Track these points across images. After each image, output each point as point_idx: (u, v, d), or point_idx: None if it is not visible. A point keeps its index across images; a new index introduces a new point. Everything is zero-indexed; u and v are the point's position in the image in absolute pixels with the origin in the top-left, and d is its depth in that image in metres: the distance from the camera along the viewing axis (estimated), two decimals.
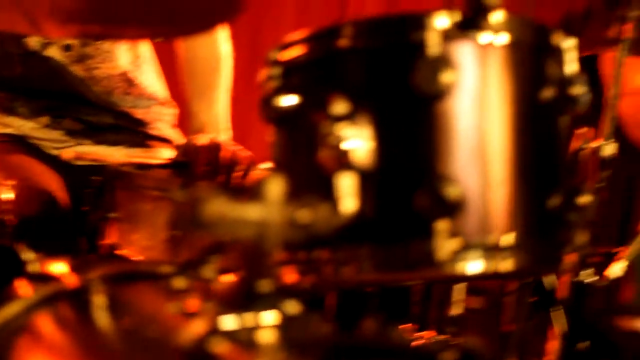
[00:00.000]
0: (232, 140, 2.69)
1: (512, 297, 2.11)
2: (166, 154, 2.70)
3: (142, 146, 2.74)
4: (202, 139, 2.56)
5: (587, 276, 1.98)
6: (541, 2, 2.57)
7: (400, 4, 4.79)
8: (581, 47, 2.55)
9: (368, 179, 1.31)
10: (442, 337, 1.94)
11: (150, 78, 2.82)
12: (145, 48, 2.82)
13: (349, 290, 1.93)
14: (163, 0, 1.84)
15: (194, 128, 2.80)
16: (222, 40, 2.88)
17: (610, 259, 2.20)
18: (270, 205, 1.13)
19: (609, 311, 2.50)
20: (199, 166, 2.42)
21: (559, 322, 1.95)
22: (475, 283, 2.07)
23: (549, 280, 1.96)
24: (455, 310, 2.00)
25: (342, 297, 2.00)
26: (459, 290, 2.00)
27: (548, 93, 1.37)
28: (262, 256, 1.14)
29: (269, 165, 1.48)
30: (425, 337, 1.91)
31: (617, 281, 2.16)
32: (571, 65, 1.41)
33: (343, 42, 1.36)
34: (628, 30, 1.92)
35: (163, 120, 2.83)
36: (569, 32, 1.44)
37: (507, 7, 1.33)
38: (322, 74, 1.39)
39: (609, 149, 1.96)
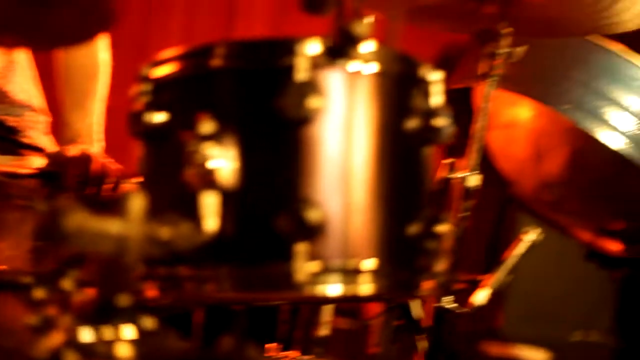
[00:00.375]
0: (104, 152, 2.67)
1: (378, 320, 2.15)
2: (37, 162, 2.66)
3: (13, 154, 2.69)
4: (73, 150, 2.53)
5: (449, 303, 2.02)
6: (419, 35, 2.63)
7: (287, 27, 4.83)
8: (456, 80, 2.63)
9: (231, 199, 1.32)
10: (307, 357, 1.96)
11: (24, 85, 2.78)
12: (21, 55, 2.78)
13: (216, 307, 1.94)
14: (38, 10, 1.82)
15: (67, 138, 2.76)
16: (101, 48, 2.86)
17: (475, 286, 2.25)
18: (131, 221, 1.14)
19: (476, 336, 2.55)
20: (69, 177, 2.39)
21: (422, 347, 1.98)
22: (343, 305, 2.09)
23: (414, 305, 2.00)
24: (322, 331, 2.02)
25: (209, 314, 2.00)
26: (326, 312, 2.03)
27: (413, 123, 1.40)
28: (121, 271, 1.14)
29: (139, 179, 1.48)
30: (290, 356, 1.92)
31: (483, 308, 2.21)
32: (436, 97, 1.44)
33: (214, 62, 1.37)
34: (497, 66, 1.98)
35: (36, 129, 2.79)
36: (446, 65, 1.48)
37: (381, 38, 1.36)
38: (192, 92, 1.40)
39: (474, 179, 2.01)
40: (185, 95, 1.41)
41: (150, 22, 5.10)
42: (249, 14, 5.74)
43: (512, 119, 2.71)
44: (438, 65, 1.47)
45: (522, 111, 2.67)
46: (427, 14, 2.06)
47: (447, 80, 2.68)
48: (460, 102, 2.62)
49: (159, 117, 1.41)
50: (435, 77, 1.45)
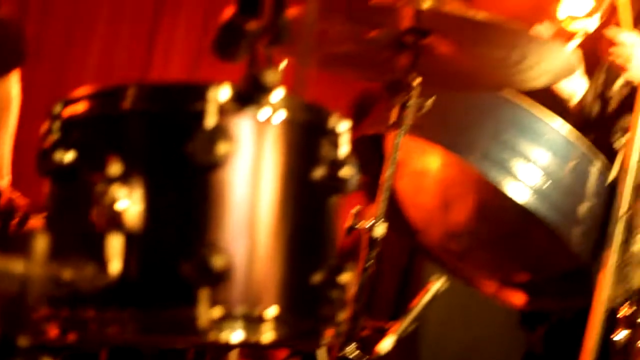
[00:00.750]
0: (11, 186, 2.64)
1: None
2: None
3: None
4: None
5: (351, 351, 2.03)
6: (334, 81, 2.66)
7: (202, 70, 4.85)
8: (368, 127, 2.66)
9: (137, 242, 1.31)
10: None
11: None
12: None
13: (121, 348, 1.93)
14: None
15: None
16: (13, 82, 2.84)
17: (382, 334, 2.26)
18: (34, 261, 1.13)
19: None
20: None
21: None
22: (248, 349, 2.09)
23: (320, 353, 2.01)
24: None
25: (114, 354, 1.99)
26: (233, 354, 2.02)
27: (320, 172, 1.42)
28: (22, 310, 1.13)
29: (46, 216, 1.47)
30: None
31: (392, 355, 2.22)
32: (344, 147, 1.46)
33: (125, 103, 1.37)
34: (407, 116, 2.01)
35: None
36: (360, 111, 1.50)
37: (292, 84, 1.38)
38: (102, 133, 1.39)
39: (380, 229, 2.03)
40: (95, 135, 1.41)
41: (67, 57, 5.08)
42: (168, 52, 5.75)
43: (422, 168, 2.75)
44: (352, 111, 1.50)
45: (432, 160, 2.71)
46: (339, 62, 2.09)
47: (360, 127, 2.73)
48: (371, 149, 2.65)
49: (68, 156, 1.40)
50: (343, 128, 1.46)
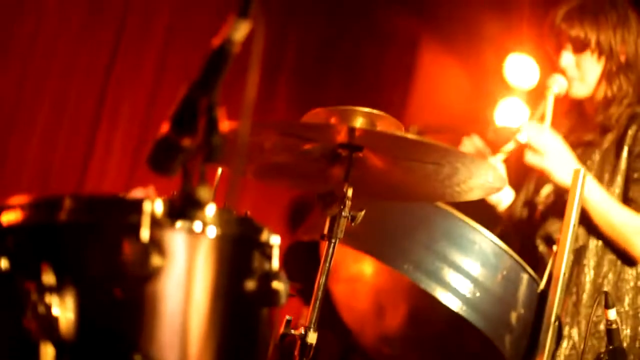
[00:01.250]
0: None
1: None
2: None
3: None
4: None
5: None
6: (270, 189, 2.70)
7: (139, 179, 4.88)
8: (303, 234, 2.70)
9: (69, 351, 1.33)
10: None
11: None
12: None
13: None
14: None
15: None
16: None
17: None
18: None
19: None
20: None
21: None
22: None
23: None
24: None
25: None
26: None
27: (251, 285, 1.45)
28: None
29: None
30: None
31: None
32: (275, 260, 1.50)
33: (61, 214, 1.40)
34: (340, 226, 2.04)
35: None
36: (298, 218, 1.53)
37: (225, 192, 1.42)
38: (37, 242, 1.42)
39: (313, 336, 2.05)
40: (30, 244, 1.43)
41: (6, 151, 5.09)
42: (104, 162, 5.81)
43: (357, 274, 2.79)
44: (289, 218, 1.53)
45: (366, 267, 2.76)
46: (274, 172, 2.14)
47: (296, 233, 2.77)
48: (306, 255, 2.69)
49: (2, 263, 1.42)
50: (275, 241, 1.50)
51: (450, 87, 7.28)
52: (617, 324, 2.76)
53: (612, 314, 2.68)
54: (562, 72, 3.15)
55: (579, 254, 3.01)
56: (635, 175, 3.05)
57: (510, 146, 3.07)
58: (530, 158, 2.93)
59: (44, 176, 5.68)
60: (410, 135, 1.96)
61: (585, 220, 2.98)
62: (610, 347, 2.53)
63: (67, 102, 5.71)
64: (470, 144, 3.20)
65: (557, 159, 2.92)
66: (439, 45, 7.47)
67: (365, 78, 7.12)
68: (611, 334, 2.66)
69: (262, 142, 1.92)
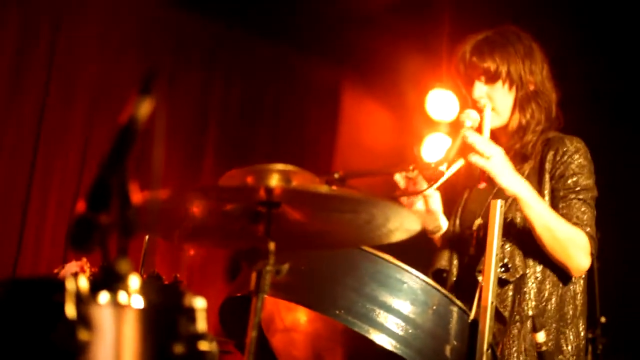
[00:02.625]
0: None
1: None
2: None
3: None
4: None
5: None
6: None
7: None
8: (236, 290, 2.75)
9: None
10: None
11: None
12: None
13: None
14: None
15: None
16: None
17: None
18: None
19: None
20: None
21: None
22: None
23: None
24: None
25: None
26: None
27: (179, 348, 1.51)
28: None
29: None
30: None
31: None
32: (202, 322, 1.55)
33: None
34: (266, 280, 2.09)
35: None
36: (234, 272, 1.58)
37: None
38: None
39: None
40: None
41: None
42: (38, 236, 5.83)
43: (292, 323, 2.84)
44: (226, 271, 1.59)
45: (301, 316, 2.81)
46: (199, 234, 2.19)
47: (229, 290, 2.82)
48: (239, 311, 2.74)
49: None
50: (199, 304, 1.56)
51: (375, 127, 7.41)
52: (546, 345, 2.85)
53: (540, 336, 2.77)
54: (475, 102, 3.26)
55: (519, 284, 3.11)
56: (561, 194, 3.17)
57: (443, 175, 3.18)
58: (475, 159, 3.03)
59: None
60: (322, 189, 2.03)
61: (525, 241, 3.09)
62: None
63: None
64: (402, 179, 3.29)
65: (501, 164, 3.04)
66: (361, 88, 7.61)
67: (290, 129, 7.24)
68: (542, 356, 2.75)
69: (184, 207, 1.98)
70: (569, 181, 3.19)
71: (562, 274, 3.16)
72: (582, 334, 3.17)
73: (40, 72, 5.94)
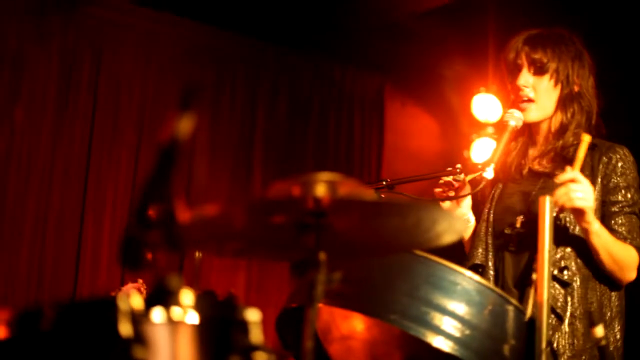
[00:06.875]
0: None
1: None
2: None
3: None
4: None
5: None
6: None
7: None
8: (291, 300, 2.76)
9: None
10: None
11: None
12: None
13: None
14: None
15: None
16: None
17: None
18: None
19: None
20: None
21: None
22: None
23: None
24: None
25: None
26: None
27: None
28: None
29: None
30: None
31: None
32: (257, 334, 1.56)
33: (44, 324, 1.46)
34: (319, 291, 2.09)
35: None
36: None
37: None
38: (22, 354, 1.48)
39: None
40: (14, 357, 1.49)
41: None
42: (95, 260, 5.90)
43: (349, 332, 2.85)
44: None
45: (357, 323, 2.81)
46: (249, 248, 2.20)
47: (286, 300, 2.82)
48: (296, 321, 2.74)
49: None
50: (254, 317, 1.57)
51: (420, 133, 7.40)
52: (606, 340, 2.83)
53: (599, 331, 2.74)
54: (517, 91, 3.26)
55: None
56: (620, 206, 3.17)
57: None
58: (580, 203, 3.04)
59: (38, 281, 5.77)
60: (367, 196, 2.03)
61: (581, 246, 3.10)
62: None
63: (50, 207, 5.82)
64: (447, 184, 3.29)
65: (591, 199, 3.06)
66: (404, 95, 7.60)
67: (337, 140, 7.25)
68: (602, 351, 2.73)
69: (232, 221, 1.99)
70: (629, 195, 3.23)
71: (608, 279, 3.17)
72: (618, 335, 3.18)
73: (87, 97, 6.03)
